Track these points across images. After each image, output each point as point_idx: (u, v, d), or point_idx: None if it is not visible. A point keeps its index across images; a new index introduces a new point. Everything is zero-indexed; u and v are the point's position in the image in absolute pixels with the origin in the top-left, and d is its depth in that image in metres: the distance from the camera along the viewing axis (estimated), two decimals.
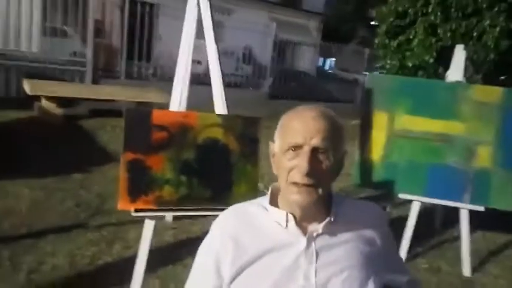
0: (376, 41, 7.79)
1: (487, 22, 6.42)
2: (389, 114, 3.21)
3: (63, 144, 4.79)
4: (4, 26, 6.65)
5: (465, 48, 3.80)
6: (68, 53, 7.76)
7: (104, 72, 8.49)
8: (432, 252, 3.46)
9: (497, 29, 6.32)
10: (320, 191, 0.92)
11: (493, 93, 3.14)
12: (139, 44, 8.46)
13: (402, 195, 3.13)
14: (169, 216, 3.18)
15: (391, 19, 7.25)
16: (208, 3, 2.38)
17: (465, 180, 3.05)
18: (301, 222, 0.96)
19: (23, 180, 3.66)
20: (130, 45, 8.34)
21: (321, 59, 17.45)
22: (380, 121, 3.22)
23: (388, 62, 7.42)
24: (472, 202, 3.02)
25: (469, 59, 5.14)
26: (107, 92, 6.64)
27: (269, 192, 1.02)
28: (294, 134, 0.91)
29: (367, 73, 7.06)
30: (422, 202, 3.13)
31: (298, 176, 0.89)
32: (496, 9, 6.42)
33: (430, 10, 6.80)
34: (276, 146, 0.97)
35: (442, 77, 5.28)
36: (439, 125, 3.12)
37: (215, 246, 0.97)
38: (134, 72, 8.71)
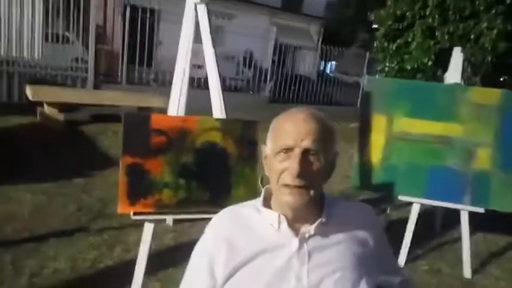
0: (375, 44, 7.83)
1: (485, 24, 6.45)
2: (388, 117, 3.23)
3: (64, 149, 4.82)
4: (7, 32, 6.71)
5: (463, 51, 3.82)
6: (70, 58, 7.81)
7: (105, 78, 8.53)
8: (432, 254, 3.46)
9: (495, 31, 6.34)
10: (312, 192, 0.93)
11: (492, 95, 3.15)
12: (141, 50, 8.51)
13: (402, 197, 3.14)
14: (169, 219, 3.20)
15: (390, 22, 7.29)
16: (205, 8, 2.41)
17: (465, 182, 3.06)
18: (294, 224, 0.97)
19: (25, 185, 3.69)
20: (131, 51, 8.39)
21: (322, 63, 17.49)
22: (379, 124, 3.24)
23: (387, 65, 7.45)
24: (472, 204, 3.03)
25: (467, 61, 5.15)
26: (108, 97, 6.68)
27: (262, 194, 1.04)
28: (285, 137, 0.93)
29: (369, 76, 7.09)
30: (422, 204, 3.14)
31: (289, 177, 0.91)
32: (493, 11, 6.45)
33: (427, 13, 6.83)
34: (268, 148, 0.99)
35: (440, 79, 5.29)
36: (438, 127, 3.14)
37: (209, 248, 0.98)
38: (135, 78, 8.75)
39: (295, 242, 0.95)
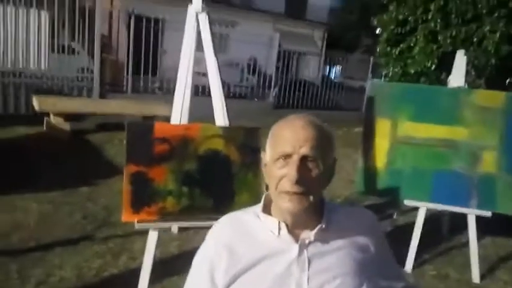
0: (378, 49, 7.83)
1: (487, 28, 6.43)
2: (392, 121, 3.22)
3: (70, 159, 4.86)
4: (14, 44, 6.81)
5: (466, 54, 3.81)
6: (76, 69, 7.90)
7: (111, 87, 8.62)
8: (440, 259, 3.42)
9: (497, 34, 6.32)
10: (311, 198, 0.94)
11: (496, 98, 3.14)
12: (145, 59, 8.59)
13: (408, 202, 3.12)
14: (174, 227, 3.21)
15: (392, 27, 7.29)
16: (207, 17, 2.43)
17: (470, 186, 3.03)
18: (294, 230, 0.97)
19: (32, 194, 3.72)
20: (136, 60, 8.48)
21: (327, 68, 17.53)
22: (383, 128, 3.23)
23: (391, 69, 7.45)
24: (479, 207, 3.00)
25: (470, 64, 5.14)
26: (113, 106, 6.74)
27: (262, 201, 1.04)
28: (283, 143, 0.93)
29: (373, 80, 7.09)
30: (428, 208, 3.12)
31: (288, 184, 0.91)
32: (495, 14, 6.43)
33: (430, 17, 6.83)
34: (267, 155, 0.99)
35: (444, 83, 5.28)
36: (442, 131, 3.12)
37: (209, 255, 0.99)
38: (140, 86, 8.82)
39: (295, 248, 0.95)
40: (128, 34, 8.30)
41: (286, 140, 0.93)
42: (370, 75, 12.21)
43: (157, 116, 6.23)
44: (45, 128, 5.93)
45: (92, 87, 7.57)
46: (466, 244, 3.29)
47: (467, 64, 3.83)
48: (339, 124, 7.73)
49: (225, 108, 2.46)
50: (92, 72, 7.61)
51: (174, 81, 2.54)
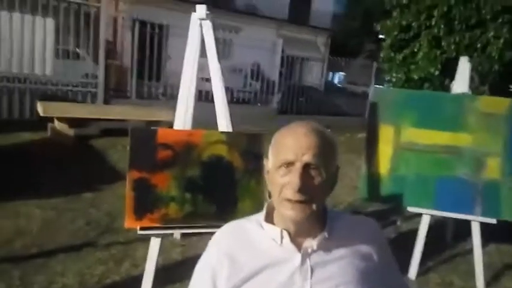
0: (382, 54, 7.84)
1: (491, 33, 6.43)
2: (395, 128, 3.21)
3: (74, 164, 4.87)
4: (18, 50, 6.87)
5: (470, 60, 3.80)
6: (80, 74, 7.95)
7: (115, 93, 8.66)
8: (444, 267, 3.39)
9: (501, 40, 6.32)
10: (314, 206, 0.93)
11: (500, 104, 3.12)
12: (150, 64, 8.65)
13: (411, 209, 3.10)
14: (177, 233, 3.20)
15: (396, 33, 7.30)
16: (210, 24, 2.45)
17: (475, 193, 3.01)
18: (296, 238, 0.97)
19: (35, 200, 3.72)
20: (140, 66, 8.53)
21: (330, 74, 17.58)
22: (386, 134, 3.22)
23: (394, 75, 7.45)
24: (483, 214, 2.97)
25: (474, 70, 5.12)
26: (117, 111, 6.77)
27: (264, 209, 1.04)
28: (286, 151, 0.93)
29: (377, 86, 7.10)
30: (432, 215, 3.09)
31: (290, 192, 0.91)
32: (499, 20, 6.43)
33: (433, 23, 6.83)
34: (270, 162, 0.99)
35: (448, 89, 5.26)
36: (446, 137, 3.11)
37: (211, 263, 0.98)
38: (144, 92, 8.87)
39: (297, 257, 0.94)
40: (132, 40, 8.36)
41: (289, 148, 0.93)
42: (373, 80, 12.22)
43: (161, 121, 6.26)
44: (49, 134, 5.96)
45: (96, 93, 7.61)
46: (471, 251, 3.26)
47: (471, 70, 3.81)
48: (342, 130, 7.73)
49: (228, 113, 2.46)
50: (97, 77, 7.66)
51: (178, 87, 2.55)
